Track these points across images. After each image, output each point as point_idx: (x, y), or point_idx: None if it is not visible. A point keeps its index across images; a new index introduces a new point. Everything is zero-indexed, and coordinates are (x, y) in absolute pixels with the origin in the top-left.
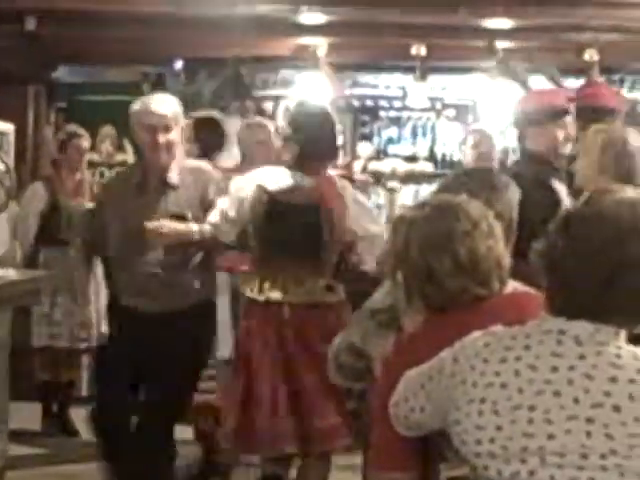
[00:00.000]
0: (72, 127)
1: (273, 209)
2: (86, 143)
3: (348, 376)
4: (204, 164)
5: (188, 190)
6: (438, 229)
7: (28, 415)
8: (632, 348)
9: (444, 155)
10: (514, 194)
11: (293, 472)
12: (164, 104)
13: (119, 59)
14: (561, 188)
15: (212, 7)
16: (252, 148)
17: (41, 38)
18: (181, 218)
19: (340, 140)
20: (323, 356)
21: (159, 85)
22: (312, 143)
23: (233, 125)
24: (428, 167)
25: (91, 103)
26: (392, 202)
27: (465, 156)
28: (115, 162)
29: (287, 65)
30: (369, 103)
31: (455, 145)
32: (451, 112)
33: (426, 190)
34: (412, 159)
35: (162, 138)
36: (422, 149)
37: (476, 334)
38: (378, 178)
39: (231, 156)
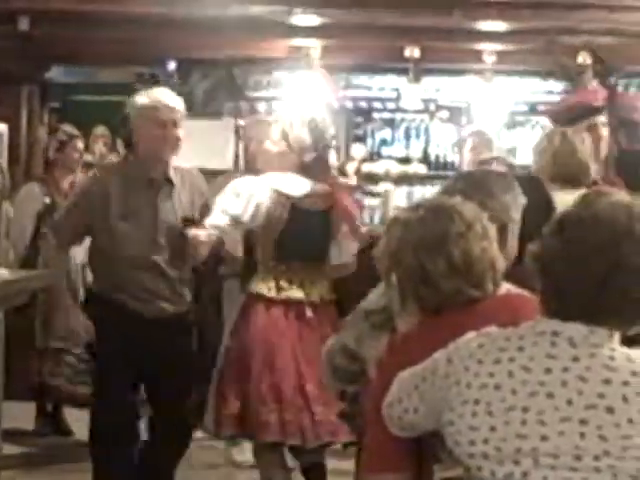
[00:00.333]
0: (68, 128)
1: (292, 214)
2: (81, 144)
3: (342, 378)
4: (193, 167)
5: (182, 190)
6: (432, 231)
7: (21, 415)
8: (626, 350)
9: (437, 157)
10: (514, 198)
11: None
12: (174, 99)
13: (112, 60)
14: None
15: (205, 8)
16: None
17: (34, 38)
18: (191, 221)
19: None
20: None
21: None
22: (326, 150)
23: (226, 126)
24: (421, 169)
25: (84, 103)
26: (386, 203)
27: (463, 159)
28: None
29: (280, 67)
30: (363, 105)
31: (449, 147)
32: (445, 114)
33: (419, 192)
34: (405, 161)
35: (172, 133)
36: (415, 151)
37: (470, 335)
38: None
39: (224, 158)
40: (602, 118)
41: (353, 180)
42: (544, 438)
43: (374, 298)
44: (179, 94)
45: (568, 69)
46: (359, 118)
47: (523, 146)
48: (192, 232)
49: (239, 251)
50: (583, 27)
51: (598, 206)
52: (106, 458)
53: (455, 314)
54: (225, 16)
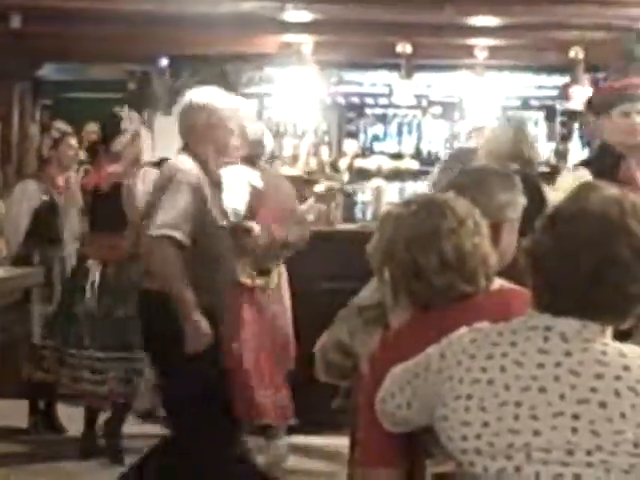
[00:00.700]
0: (61, 125)
1: None
2: (75, 141)
3: (335, 374)
4: None
5: None
6: (424, 226)
7: (14, 412)
8: (618, 345)
9: (430, 152)
10: (513, 197)
11: None
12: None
13: (104, 57)
14: None
15: (197, 5)
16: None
17: (26, 36)
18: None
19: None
20: None
21: (144, 83)
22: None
23: None
24: (414, 164)
25: (76, 101)
26: (378, 199)
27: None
28: None
29: (272, 63)
30: (355, 100)
31: (441, 142)
32: (437, 109)
33: (412, 187)
34: (398, 156)
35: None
36: (408, 146)
37: (463, 330)
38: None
39: None
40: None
41: (345, 176)
42: (537, 433)
43: (367, 294)
44: (171, 91)
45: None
46: (351, 114)
47: None
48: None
49: None
50: (574, 22)
51: (589, 201)
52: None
53: (447, 309)
54: (216, 12)
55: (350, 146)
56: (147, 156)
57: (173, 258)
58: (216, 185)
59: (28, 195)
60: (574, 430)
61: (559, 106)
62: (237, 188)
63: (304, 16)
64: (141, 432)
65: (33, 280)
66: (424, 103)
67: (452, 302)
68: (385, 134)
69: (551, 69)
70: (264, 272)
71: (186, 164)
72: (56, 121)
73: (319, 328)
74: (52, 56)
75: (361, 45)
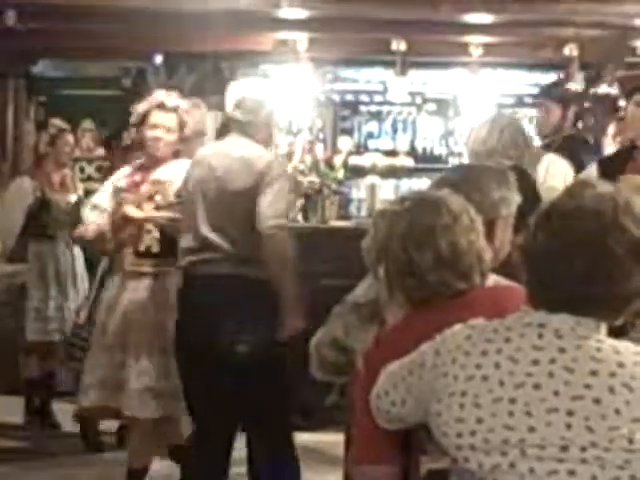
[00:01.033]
0: (58, 121)
1: None
2: (71, 137)
3: (330, 370)
4: None
5: None
6: (419, 223)
7: (10, 409)
8: (612, 341)
9: (425, 149)
10: (507, 194)
11: None
12: None
13: (99, 54)
14: None
15: (192, 1)
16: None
17: (21, 32)
18: None
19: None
20: None
21: (139, 80)
22: None
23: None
24: (408, 161)
25: (71, 97)
26: (373, 196)
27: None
28: (95, 157)
29: (267, 60)
30: (349, 98)
31: (436, 139)
32: (431, 107)
33: (406, 184)
34: (392, 153)
35: None
36: (402, 143)
37: (457, 327)
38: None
39: None
40: None
41: (340, 173)
42: (531, 429)
43: (361, 291)
44: (166, 88)
45: None
46: (346, 111)
47: None
48: None
49: None
50: (569, 19)
51: (583, 197)
52: None
53: (442, 306)
54: (211, 9)
55: (345, 143)
56: None
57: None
58: None
59: (23, 192)
60: (568, 426)
61: None
62: None
63: (299, 13)
64: None
65: (27, 276)
66: (419, 100)
67: (447, 299)
68: (380, 131)
69: (546, 66)
70: None
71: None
72: (52, 118)
73: (314, 325)
74: (46, 53)
75: (356, 42)
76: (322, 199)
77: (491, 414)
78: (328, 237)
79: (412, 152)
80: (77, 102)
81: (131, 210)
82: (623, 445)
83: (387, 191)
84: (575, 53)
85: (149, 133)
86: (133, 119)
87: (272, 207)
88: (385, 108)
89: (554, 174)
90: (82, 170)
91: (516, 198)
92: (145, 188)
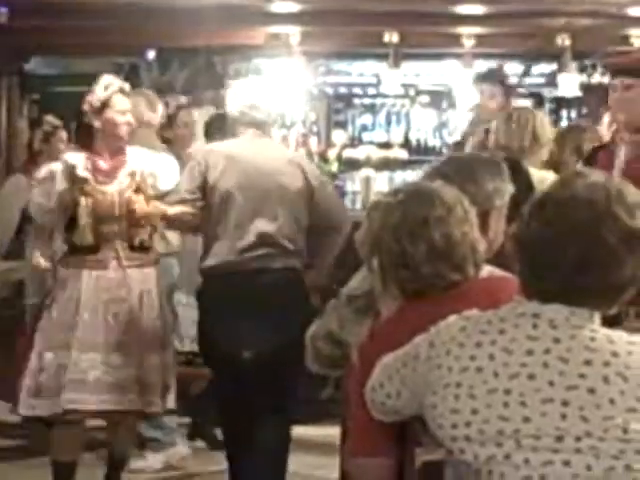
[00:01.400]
0: (51, 118)
1: None
2: (65, 134)
3: (325, 363)
4: None
5: None
6: (413, 215)
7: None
8: (606, 331)
9: (419, 141)
10: (500, 185)
11: None
12: None
13: (92, 50)
14: None
15: None
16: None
17: (13, 30)
18: None
19: None
20: None
21: (132, 76)
22: None
23: (207, 115)
24: (402, 154)
25: (64, 94)
26: (367, 189)
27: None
28: None
29: (260, 54)
30: (343, 91)
31: (430, 131)
32: (425, 98)
33: (400, 177)
34: (386, 146)
35: None
36: (396, 136)
37: (451, 319)
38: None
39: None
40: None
41: (334, 166)
42: (526, 420)
43: (356, 283)
44: (159, 84)
45: None
46: (339, 104)
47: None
48: None
49: None
50: (561, 9)
51: (576, 187)
52: None
53: (436, 298)
54: (203, 4)
55: (339, 136)
56: None
57: None
58: None
59: (19, 190)
60: (563, 416)
61: (547, 94)
62: None
63: (291, 7)
64: None
65: (23, 274)
66: (412, 92)
67: (441, 290)
68: (373, 124)
69: (538, 57)
70: None
71: None
72: (46, 115)
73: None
74: (39, 50)
75: (348, 35)
76: None
77: (486, 405)
78: None
79: (406, 144)
80: (70, 99)
81: (144, 206)
82: (618, 435)
83: (381, 183)
84: (567, 43)
85: (119, 118)
86: (94, 104)
87: (342, 204)
88: (378, 100)
89: None
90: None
91: (509, 188)
92: (125, 180)
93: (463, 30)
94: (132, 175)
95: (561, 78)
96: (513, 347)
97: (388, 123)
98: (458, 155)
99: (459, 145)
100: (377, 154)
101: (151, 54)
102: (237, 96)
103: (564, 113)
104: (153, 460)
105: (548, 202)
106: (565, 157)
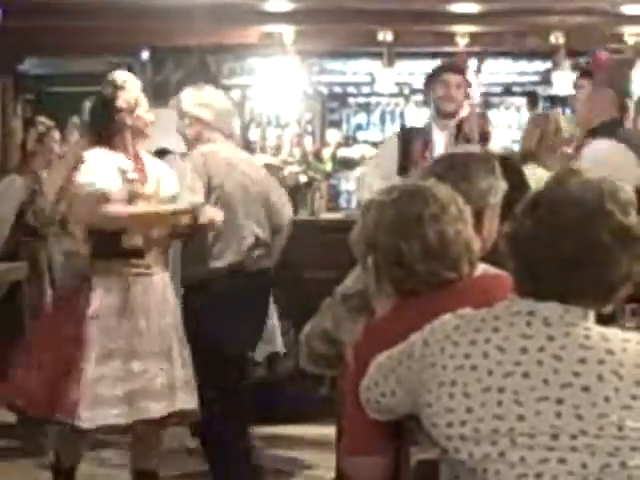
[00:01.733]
0: (45, 119)
1: None
2: (58, 135)
3: (320, 363)
4: None
5: None
6: (407, 213)
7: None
8: (601, 329)
9: None
10: (493, 183)
11: None
12: None
13: (86, 50)
14: None
15: None
16: None
17: (7, 30)
18: None
19: None
20: None
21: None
22: None
23: None
24: None
25: (59, 94)
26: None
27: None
28: None
29: (254, 53)
30: (337, 90)
31: None
32: (419, 97)
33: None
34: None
35: None
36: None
37: (446, 317)
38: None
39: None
40: None
41: (329, 165)
42: (521, 418)
43: (350, 282)
44: (153, 83)
45: None
46: (334, 103)
47: (497, 127)
48: None
49: None
50: (554, 7)
51: (569, 185)
52: None
53: (430, 296)
54: (197, 3)
55: (333, 135)
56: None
57: None
58: None
59: (14, 190)
60: (558, 414)
61: (541, 92)
62: None
63: (284, 6)
64: None
65: (19, 275)
66: (406, 91)
67: (435, 289)
68: (368, 123)
69: (532, 55)
70: None
71: None
72: (40, 115)
73: (304, 317)
74: (33, 50)
75: (342, 34)
76: (311, 192)
77: (481, 404)
78: (318, 229)
79: None
80: (64, 99)
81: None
82: (613, 432)
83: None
84: (561, 41)
85: (149, 116)
86: (131, 102)
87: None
88: (373, 99)
89: None
90: None
91: (502, 185)
92: (154, 184)
93: (457, 29)
94: (158, 180)
95: (555, 76)
96: (507, 345)
97: (382, 122)
98: (451, 154)
99: None
100: (372, 153)
101: (145, 54)
102: (197, 103)
103: (559, 111)
104: None
105: (542, 201)
106: (532, 147)
